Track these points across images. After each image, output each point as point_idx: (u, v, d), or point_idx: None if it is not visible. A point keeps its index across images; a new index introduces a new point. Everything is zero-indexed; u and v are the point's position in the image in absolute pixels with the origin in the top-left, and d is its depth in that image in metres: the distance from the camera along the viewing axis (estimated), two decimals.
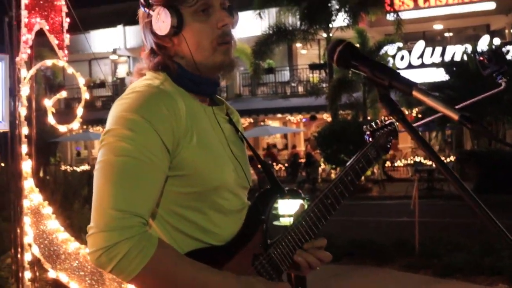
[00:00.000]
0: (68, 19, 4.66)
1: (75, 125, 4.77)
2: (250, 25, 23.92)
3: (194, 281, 1.67)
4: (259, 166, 2.07)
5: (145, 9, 1.83)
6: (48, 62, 4.70)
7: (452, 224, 12.95)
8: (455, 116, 1.29)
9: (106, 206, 1.62)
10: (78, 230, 5.42)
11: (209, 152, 1.78)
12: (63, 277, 4.23)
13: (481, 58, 1.40)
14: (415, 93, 1.36)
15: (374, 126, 2.09)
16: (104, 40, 31.82)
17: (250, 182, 1.96)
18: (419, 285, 7.50)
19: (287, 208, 4.77)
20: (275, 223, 2.21)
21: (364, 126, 2.10)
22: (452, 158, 24.48)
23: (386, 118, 2.12)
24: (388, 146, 2.11)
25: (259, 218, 1.89)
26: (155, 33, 1.81)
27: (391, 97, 1.41)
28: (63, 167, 22.38)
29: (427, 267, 8.33)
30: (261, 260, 1.85)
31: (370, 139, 2.07)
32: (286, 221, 5.17)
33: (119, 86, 33.37)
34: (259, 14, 23.53)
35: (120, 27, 32.97)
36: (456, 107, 2.08)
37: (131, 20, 32.92)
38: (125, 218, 1.61)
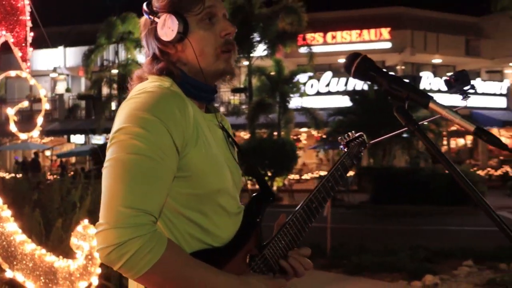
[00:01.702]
0: (32, 34, 4.39)
1: (35, 133, 4.51)
2: None
3: (200, 282, 1.52)
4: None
5: (150, 16, 1.69)
6: (12, 73, 4.41)
7: (355, 229, 13.16)
8: (471, 128, 1.21)
9: (118, 203, 1.44)
10: (28, 232, 5.13)
11: (210, 156, 1.63)
12: (20, 277, 3.96)
13: (448, 79, 1.34)
14: (431, 105, 1.27)
15: (347, 138, 2.04)
16: (45, 59, 30.80)
17: (242, 186, 1.84)
18: (332, 282, 7.50)
19: None
20: None
21: (339, 138, 2.05)
22: (351, 173, 25.01)
23: (353, 132, 2.07)
24: (360, 155, 2.05)
25: (254, 220, 1.76)
26: (160, 39, 1.67)
27: (406, 109, 1.30)
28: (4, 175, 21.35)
29: (338, 266, 8.40)
30: (256, 260, 1.72)
31: (345, 149, 2.01)
32: None
33: (57, 102, 32.40)
34: None
35: (61, 48, 31.99)
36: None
37: (72, 42, 32.47)
38: (137, 215, 1.44)
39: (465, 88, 1.39)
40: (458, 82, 1.39)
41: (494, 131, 32.46)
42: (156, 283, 1.51)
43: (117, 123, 1.55)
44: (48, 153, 31.49)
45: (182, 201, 1.60)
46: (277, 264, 1.76)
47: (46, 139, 31.68)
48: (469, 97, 1.38)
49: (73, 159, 32.69)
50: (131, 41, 26.43)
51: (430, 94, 1.36)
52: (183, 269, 1.50)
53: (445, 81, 1.42)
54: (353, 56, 1.43)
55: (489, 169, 28.35)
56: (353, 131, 2.07)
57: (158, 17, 1.66)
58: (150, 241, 1.43)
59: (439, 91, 26.57)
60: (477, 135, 1.19)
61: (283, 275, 1.78)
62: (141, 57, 26.21)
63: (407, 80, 1.39)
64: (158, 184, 1.50)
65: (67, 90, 33.49)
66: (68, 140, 33.24)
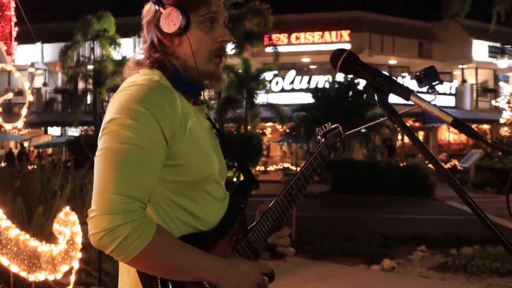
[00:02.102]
0: (16, 29, 4.29)
1: (20, 123, 4.44)
2: None
3: (188, 264, 1.51)
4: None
5: (156, 6, 1.64)
6: None
7: (317, 218, 13.24)
8: (448, 120, 1.22)
9: (109, 191, 1.42)
10: (11, 218, 5.04)
11: (199, 146, 1.61)
12: (4, 261, 3.89)
13: (418, 74, 1.34)
14: (412, 98, 1.27)
15: (324, 129, 2.02)
16: (24, 54, 30.11)
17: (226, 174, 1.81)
18: (297, 267, 7.51)
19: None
20: None
21: (317, 129, 2.02)
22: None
23: (330, 123, 2.06)
24: (336, 145, 2.03)
25: (239, 206, 1.75)
26: (160, 28, 1.63)
27: (389, 101, 1.30)
28: None
29: (303, 252, 8.39)
30: (242, 244, 1.71)
31: (323, 139, 1.99)
32: None
33: (35, 95, 31.83)
34: None
35: (38, 44, 31.32)
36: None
37: (49, 38, 31.83)
38: (127, 202, 1.42)
39: (434, 83, 1.39)
40: (428, 78, 1.40)
41: (444, 127, 33.08)
42: (146, 266, 1.49)
43: (109, 114, 1.52)
44: (26, 144, 31.00)
45: (172, 188, 1.58)
46: (261, 247, 1.75)
47: (24, 131, 31.16)
48: (437, 91, 1.39)
49: (49, 150, 32.19)
50: (106, 38, 26.11)
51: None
52: (172, 252, 1.49)
53: (416, 76, 1.42)
54: (339, 51, 1.42)
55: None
56: (329, 123, 2.06)
57: (164, 8, 1.62)
58: (140, 227, 1.42)
59: None
60: (454, 125, 1.20)
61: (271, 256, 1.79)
62: (116, 54, 25.92)
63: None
64: (147, 172, 1.48)
65: (44, 84, 33.01)
66: (45, 132, 32.80)
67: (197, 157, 1.59)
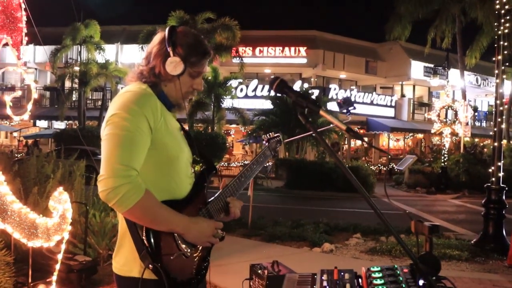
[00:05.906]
0: (26, 38, 4.61)
1: (26, 116, 4.72)
2: (135, 55, 23.52)
3: (164, 218, 1.88)
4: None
5: (169, 47, 2.01)
6: (10, 68, 4.60)
7: (271, 208, 13.55)
8: (343, 127, 1.59)
9: (114, 161, 1.80)
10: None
11: (172, 136, 2.00)
12: (9, 228, 4.10)
13: (339, 101, 1.71)
14: (321, 112, 1.65)
15: (268, 136, 2.44)
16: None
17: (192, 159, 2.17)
18: (252, 247, 7.82)
19: None
20: None
21: (263, 136, 2.45)
22: (270, 163, 25.46)
23: (273, 133, 2.47)
24: (277, 149, 2.47)
25: (203, 183, 2.12)
26: (165, 65, 2.01)
27: (306, 114, 1.68)
28: None
29: (256, 235, 8.79)
30: (203, 212, 2.07)
31: (267, 144, 2.41)
32: None
33: (26, 91, 31.42)
34: (142, 47, 23.25)
35: (31, 46, 30.91)
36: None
37: (41, 41, 31.24)
38: (126, 169, 1.80)
39: (350, 108, 1.80)
40: (346, 104, 1.79)
41: (385, 134, 33.89)
42: (137, 216, 1.86)
43: (112, 110, 1.91)
44: (15, 134, 30.53)
45: (154, 166, 1.95)
46: (217, 216, 2.11)
47: (14, 122, 30.75)
48: (351, 114, 1.78)
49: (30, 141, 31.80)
50: (92, 43, 26.23)
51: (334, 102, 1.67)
52: (154, 207, 1.86)
53: (337, 103, 1.81)
54: (274, 78, 1.81)
55: (379, 165, 29.58)
56: (272, 132, 2.48)
57: (173, 53, 2.00)
58: (134, 187, 1.80)
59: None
60: (347, 131, 1.59)
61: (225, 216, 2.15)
62: (100, 57, 26.00)
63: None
64: (139, 150, 1.87)
65: (35, 81, 32.74)
66: (34, 124, 32.53)
67: (170, 143, 1.98)
